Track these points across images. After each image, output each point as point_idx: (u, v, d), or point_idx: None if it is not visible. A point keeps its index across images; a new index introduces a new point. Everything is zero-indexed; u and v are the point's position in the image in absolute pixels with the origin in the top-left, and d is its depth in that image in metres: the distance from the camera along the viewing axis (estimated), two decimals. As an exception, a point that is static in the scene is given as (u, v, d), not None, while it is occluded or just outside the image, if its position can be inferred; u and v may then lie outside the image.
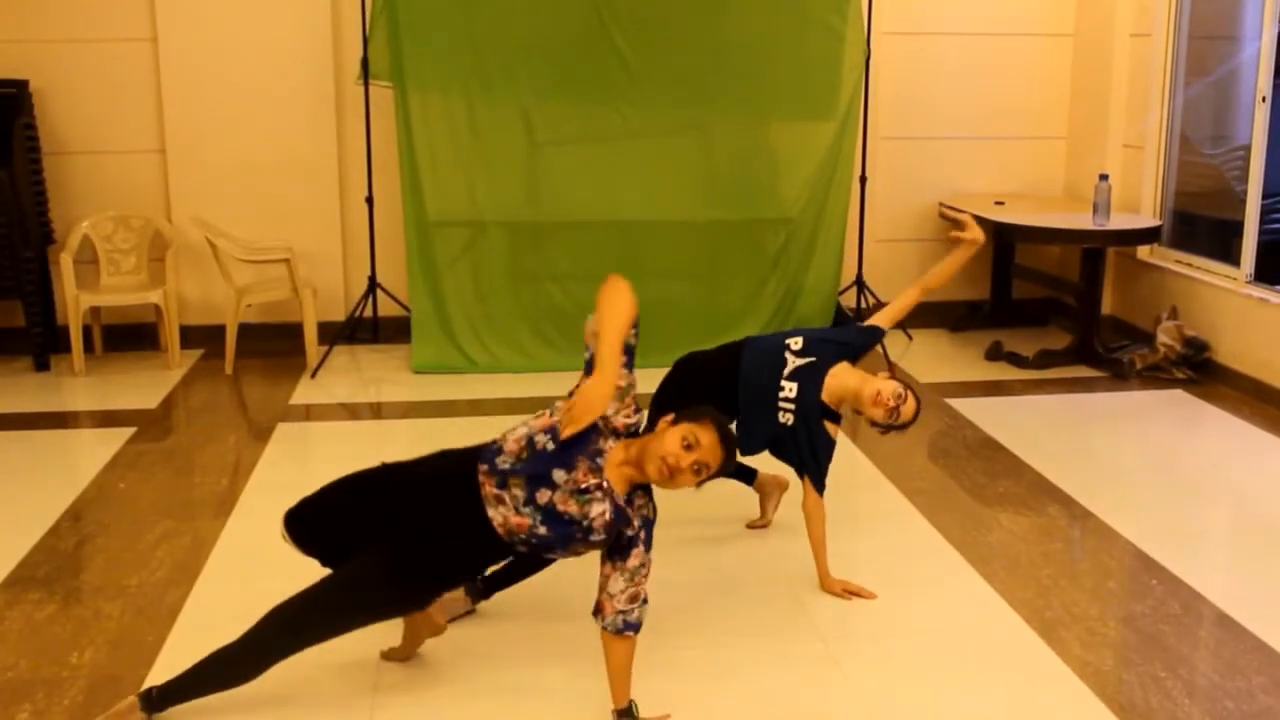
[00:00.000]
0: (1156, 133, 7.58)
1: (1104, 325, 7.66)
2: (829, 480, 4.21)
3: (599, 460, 3.28)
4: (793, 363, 4.21)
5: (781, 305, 7.50)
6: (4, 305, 7.21)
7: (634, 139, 7.26)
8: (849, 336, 4.49)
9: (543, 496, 3.23)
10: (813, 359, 4.21)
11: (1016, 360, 7.32)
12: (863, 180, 7.70)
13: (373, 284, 7.44)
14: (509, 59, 7.07)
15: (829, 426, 4.21)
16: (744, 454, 4.21)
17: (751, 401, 4.24)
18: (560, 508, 3.23)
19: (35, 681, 3.65)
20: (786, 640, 3.92)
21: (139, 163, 7.42)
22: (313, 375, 6.96)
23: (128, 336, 7.50)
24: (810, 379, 4.18)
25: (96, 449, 5.84)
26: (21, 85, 7.06)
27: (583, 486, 3.24)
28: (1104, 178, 7.17)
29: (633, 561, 3.30)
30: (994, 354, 7.44)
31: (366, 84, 7.15)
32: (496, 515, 3.26)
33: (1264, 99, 6.74)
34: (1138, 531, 4.85)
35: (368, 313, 7.52)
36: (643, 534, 3.33)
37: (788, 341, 4.28)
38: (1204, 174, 7.73)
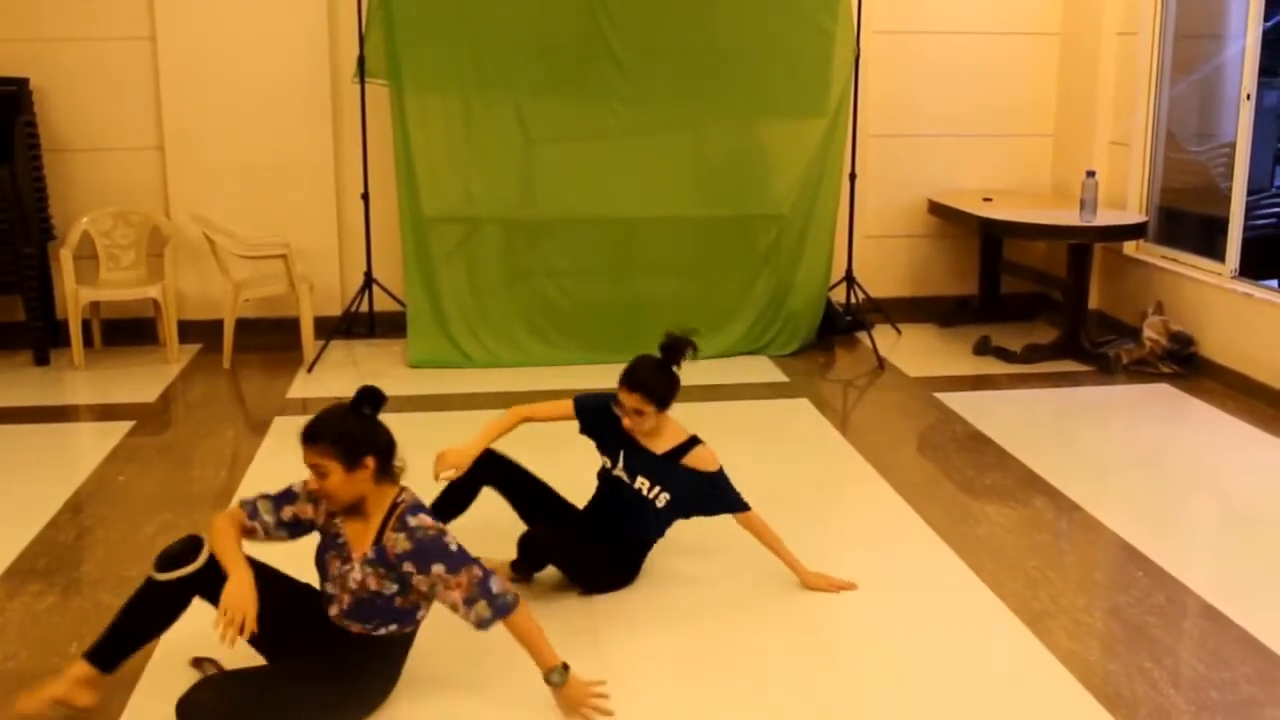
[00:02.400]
0: (1143, 130, 7.62)
1: (1091, 320, 7.70)
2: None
3: (342, 547, 3.41)
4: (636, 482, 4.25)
5: (773, 300, 7.54)
6: (5, 300, 7.26)
7: (627, 136, 7.31)
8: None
9: (349, 593, 3.38)
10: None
11: (1004, 355, 7.37)
12: (852, 177, 7.72)
13: (369, 279, 7.50)
14: (503, 58, 7.11)
15: (693, 457, 4.21)
16: (655, 538, 4.32)
17: (626, 514, 4.26)
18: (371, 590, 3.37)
19: (36, 671, 3.66)
20: (775, 633, 3.93)
21: (138, 160, 7.48)
22: (309, 369, 7.02)
23: (127, 331, 7.56)
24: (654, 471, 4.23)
25: (96, 442, 5.89)
26: (22, 83, 7.11)
27: (357, 581, 3.36)
28: (1091, 174, 7.21)
29: (436, 576, 3.32)
30: (982, 348, 7.50)
31: (363, 82, 7.20)
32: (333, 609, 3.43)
33: (1248, 96, 6.78)
34: (1124, 524, 4.88)
35: (364, 308, 7.58)
36: (415, 555, 3.32)
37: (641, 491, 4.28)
38: (1189, 170, 7.76)
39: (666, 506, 4.18)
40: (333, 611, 3.40)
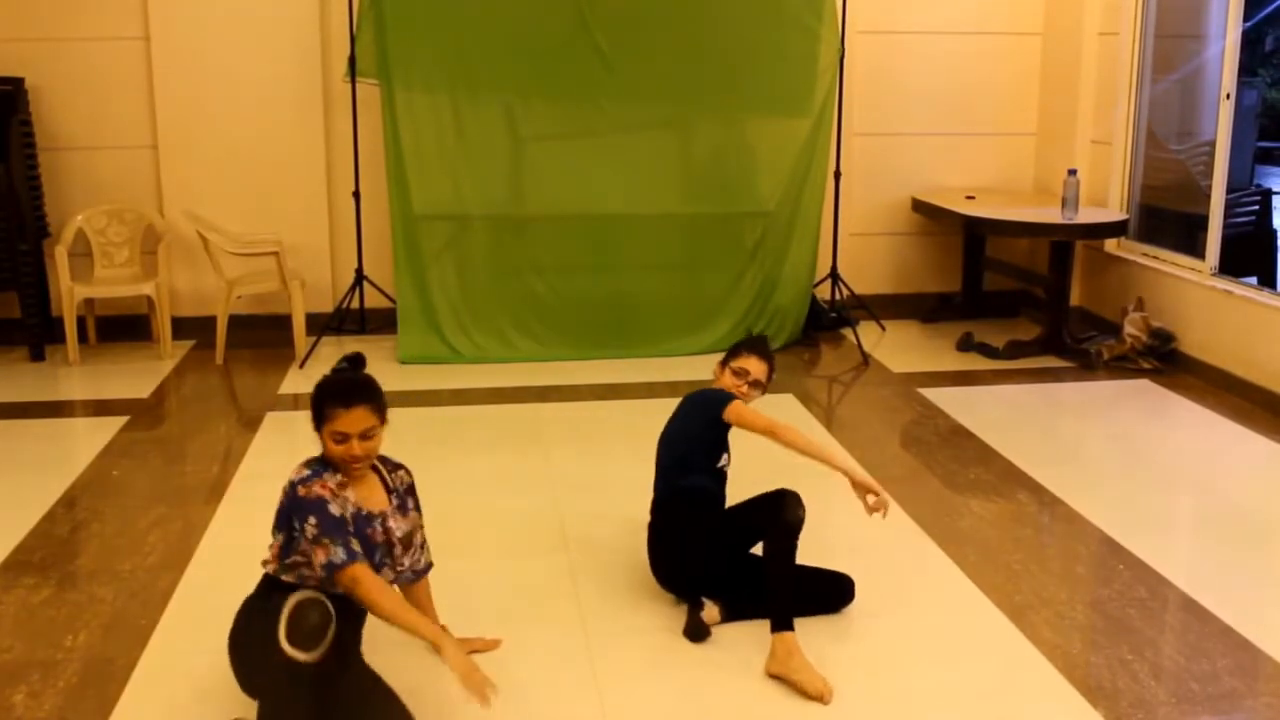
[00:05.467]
0: (1124, 129, 7.66)
1: (1072, 316, 7.76)
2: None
3: (369, 516, 3.40)
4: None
5: (759, 297, 7.58)
6: (0, 297, 7.29)
7: (615, 135, 7.35)
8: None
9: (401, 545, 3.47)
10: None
11: (987, 351, 7.42)
12: (837, 175, 7.77)
13: (360, 276, 7.55)
14: (492, 57, 7.15)
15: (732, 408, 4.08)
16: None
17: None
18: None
19: (30, 664, 3.71)
20: (756, 624, 3.87)
21: (132, 158, 7.51)
22: (301, 365, 7.05)
23: (121, 327, 7.59)
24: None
25: (90, 437, 5.91)
26: (18, 83, 7.14)
27: (403, 530, 3.48)
28: (1072, 173, 7.24)
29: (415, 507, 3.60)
30: (965, 344, 7.54)
31: (354, 81, 7.26)
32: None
33: (1228, 96, 6.81)
34: (1105, 518, 4.91)
35: (355, 304, 7.62)
36: (413, 491, 3.61)
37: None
38: (1170, 169, 7.81)
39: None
40: (398, 569, 3.46)
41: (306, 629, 2.92)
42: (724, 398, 4.07)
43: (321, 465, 3.32)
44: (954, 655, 3.84)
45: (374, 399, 3.31)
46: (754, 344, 4.26)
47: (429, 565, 3.66)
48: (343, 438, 3.26)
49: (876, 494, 3.91)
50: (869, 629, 4.01)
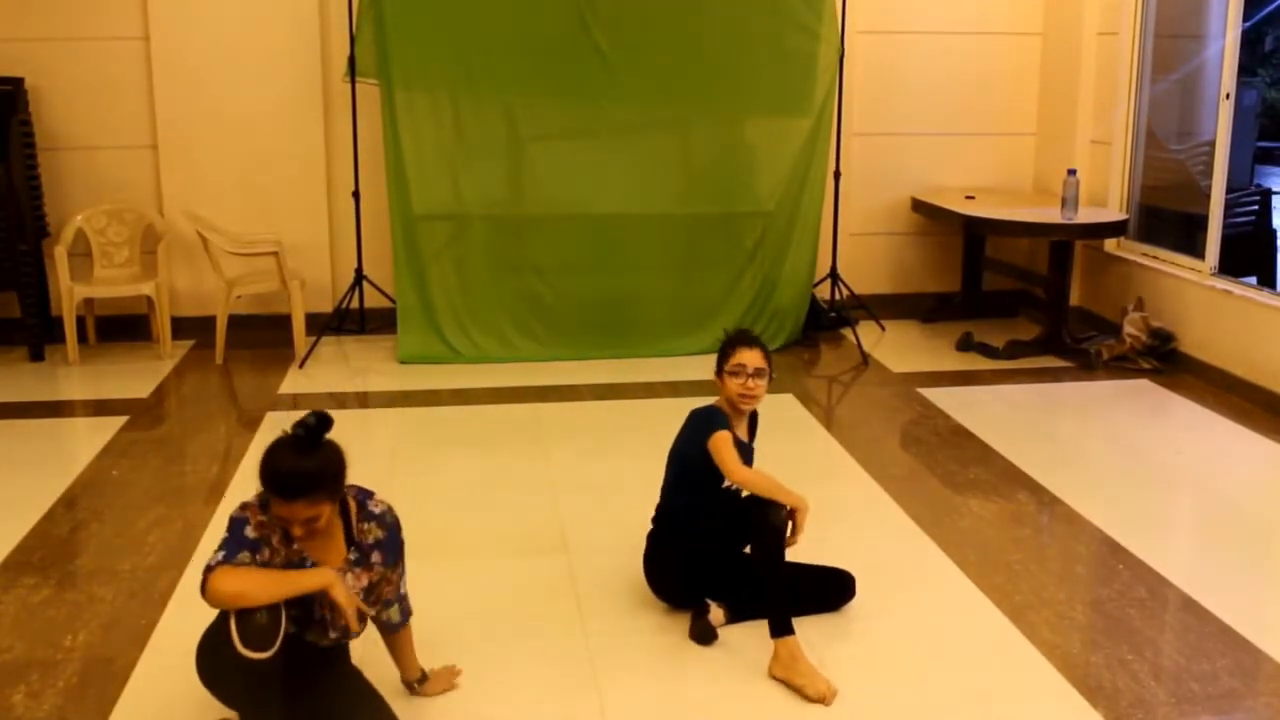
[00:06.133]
0: (1123, 129, 7.67)
1: (1072, 316, 7.74)
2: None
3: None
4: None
5: (758, 297, 7.58)
6: (0, 297, 7.29)
7: (614, 135, 7.36)
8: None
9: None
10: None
11: (986, 351, 7.42)
12: (837, 175, 7.77)
13: (359, 276, 7.55)
14: (492, 57, 7.15)
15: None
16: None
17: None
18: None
19: (30, 663, 3.71)
20: (756, 625, 3.86)
21: (132, 158, 7.52)
22: (301, 365, 7.05)
23: (120, 327, 7.59)
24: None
25: (90, 437, 5.91)
26: (17, 83, 7.14)
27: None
28: (1072, 172, 7.24)
29: (387, 571, 3.32)
30: (964, 344, 7.55)
31: (353, 81, 7.27)
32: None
33: (1228, 96, 6.81)
34: (1105, 517, 4.91)
35: (354, 304, 7.61)
36: (385, 545, 3.30)
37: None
38: (1169, 169, 7.81)
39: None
40: (340, 628, 3.20)
41: (255, 629, 2.92)
42: (714, 426, 3.92)
43: None
44: (954, 655, 3.84)
45: (316, 489, 3.03)
46: (737, 337, 4.06)
47: (405, 618, 3.44)
48: (285, 520, 3.06)
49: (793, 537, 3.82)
50: (869, 629, 4.01)
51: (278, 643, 2.94)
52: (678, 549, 4.04)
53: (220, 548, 3.02)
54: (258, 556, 3.04)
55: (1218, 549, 4.75)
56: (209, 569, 2.97)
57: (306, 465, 3.03)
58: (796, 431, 6.10)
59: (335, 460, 3.11)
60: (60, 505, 5.05)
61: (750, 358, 3.97)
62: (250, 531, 3.06)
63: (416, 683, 3.54)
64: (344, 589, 3.07)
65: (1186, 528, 5.15)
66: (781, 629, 3.69)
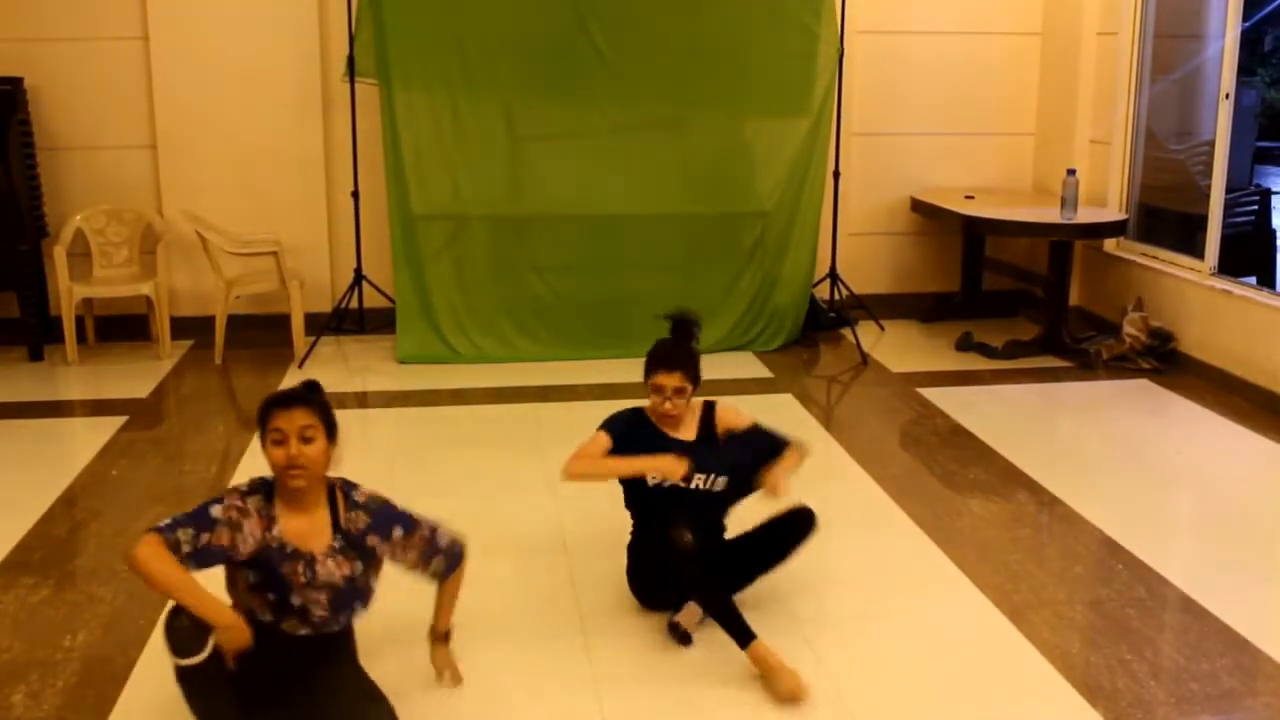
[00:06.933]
0: (1123, 128, 7.67)
1: (1071, 316, 7.74)
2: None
3: (294, 554, 3.20)
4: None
5: (757, 297, 7.59)
6: (0, 297, 7.30)
7: (613, 135, 7.36)
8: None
9: (324, 592, 3.22)
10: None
11: (986, 350, 7.42)
12: (836, 175, 7.76)
13: (358, 276, 7.55)
14: (491, 57, 7.16)
15: (721, 420, 4.13)
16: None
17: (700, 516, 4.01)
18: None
19: (29, 663, 3.72)
20: (757, 621, 3.80)
21: (131, 158, 7.52)
22: (300, 365, 7.04)
23: (120, 327, 7.60)
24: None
25: (89, 437, 5.92)
26: (17, 83, 7.15)
27: (329, 575, 3.21)
28: (1071, 172, 7.25)
29: (396, 541, 3.34)
30: (964, 344, 7.55)
31: (353, 81, 7.26)
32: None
33: (1227, 96, 6.82)
34: (1104, 517, 4.91)
35: (353, 304, 7.61)
36: (375, 526, 3.31)
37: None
38: (1169, 169, 7.80)
39: (727, 487, 4.02)
40: (314, 620, 3.19)
41: (181, 634, 2.97)
42: (601, 427, 3.99)
43: (262, 485, 3.22)
44: (953, 655, 3.84)
45: (313, 401, 3.20)
46: (657, 359, 3.98)
47: (451, 568, 3.46)
48: (281, 438, 3.12)
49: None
50: (869, 629, 4.01)
51: (208, 647, 2.95)
52: (645, 557, 4.06)
53: (173, 517, 3.06)
54: (205, 535, 3.05)
55: (1217, 549, 4.75)
56: (147, 531, 3.01)
57: (305, 387, 3.26)
58: (796, 432, 5.91)
59: (330, 407, 3.28)
60: (59, 505, 5.05)
61: (668, 380, 3.94)
62: (217, 511, 3.09)
63: (434, 639, 3.56)
64: (238, 638, 3.03)
65: (1186, 528, 5.15)
66: (741, 639, 3.66)
